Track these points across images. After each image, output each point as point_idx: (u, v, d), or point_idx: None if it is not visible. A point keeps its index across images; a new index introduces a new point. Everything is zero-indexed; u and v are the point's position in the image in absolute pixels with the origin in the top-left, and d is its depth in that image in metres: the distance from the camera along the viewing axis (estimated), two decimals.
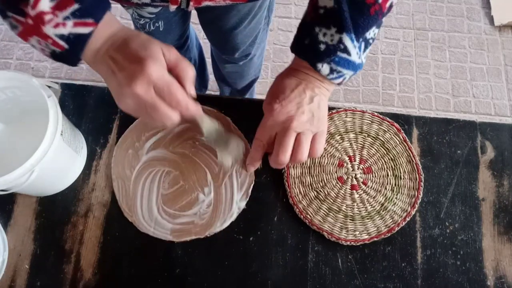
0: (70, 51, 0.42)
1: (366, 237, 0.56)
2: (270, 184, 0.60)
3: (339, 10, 0.43)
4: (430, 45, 1.64)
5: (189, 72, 0.45)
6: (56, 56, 0.42)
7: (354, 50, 0.46)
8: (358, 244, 0.56)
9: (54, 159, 0.50)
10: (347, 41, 0.45)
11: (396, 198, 0.58)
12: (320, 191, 0.58)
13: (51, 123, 0.48)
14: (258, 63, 1.09)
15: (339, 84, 0.50)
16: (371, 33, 0.47)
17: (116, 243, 0.57)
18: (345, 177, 0.59)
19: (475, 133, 0.63)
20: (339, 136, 0.61)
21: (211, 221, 0.57)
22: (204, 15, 0.82)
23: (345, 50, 0.46)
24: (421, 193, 0.59)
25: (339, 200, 0.58)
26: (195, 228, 0.57)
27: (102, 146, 0.61)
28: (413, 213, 0.58)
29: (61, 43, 0.40)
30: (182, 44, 0.98)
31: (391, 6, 0.45)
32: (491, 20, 1.68)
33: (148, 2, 0.58)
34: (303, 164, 0.60)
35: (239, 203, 0.58)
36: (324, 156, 0.60)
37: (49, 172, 0.52)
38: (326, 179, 0.59)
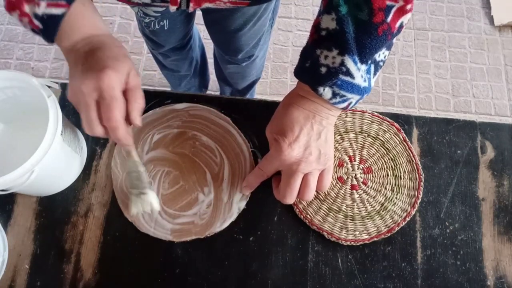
0: (44, 31, 0.43)
1: (366, 237, 0.56)
2: (270, 184, 0.60)
3: (341, 32, 0.42)
4: (430, 45, 1.64)
5: (140, 102, 0.44)
6: (34, 31, 0.43)
7: (358, 73, 0.44)
8: (358, 244, 0.56)
9: (54, 159, 0.50)
10: (350, 63, 0.43)
11: (396, 198, 0.58)
12: (320, 191, 0.58)
13: (51, 123, 0.48)
14: (260, 64, 1.09)
15: (344, 109, 0.48)
16: (380, 55, 0.45)
17: (116, 243, 0.57)
18: (345, 177, 0.59)
19: (475, 133, 0.63)
20: (339, 136, 0.61)
21: (211, 221, 0.57)
22: (209, 15, 0.82)
23: (348, 73, 0.43)
24: (421, 193, 0.59)
25: (339, 200, 0.58)
26: (195, 228, 0.57)
27: (102, 146, 0.61)
28: (413, 213, 0.58)
29: (36, 22, 0.41)
30: (185, 43, 0.98)
31: (401, 26, 0.43)
32: (491, 20, 1.68)
33: (149, 2, 0.58)
34: None
35: (239, 203, 0.58)
36: None
37: (49, 172, 0.52)
38: None
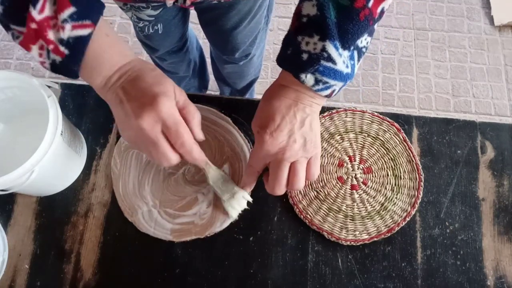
0: (70, 56, 0.40)
1: (366, 237, 0.56)
2: None
3: (322, 17, 0.41)
4: (430, 45, 1.64)
5: (197, 116, 0.45)
6: (56, 66, 0.41)
7: (340, 59, 0.43)
8: (358, 244, 0.56)
9: (54, 159, 0.50)
10: (331, 49, 0.42)
11: (396, 198, 0.58)
12: (320, 191, 0.58)
13: (51, 123, 0.48)
14: (258, 63, 1.09)
15: (328, 96, 0.47)
16: (363, 41, 0.45)
17: (116, 243, 0.57)
18: (345, 177, 0.59)
19: (475, 133, 0.63)
20: (339, 136, 0.61)
21: (211, 221, 0.57)
22: (204, 15, 0.82)
23: (329, 59, 0.43)
24: (421, 193, 0.59)
25: (339, 200, 0.58)
26: (195, 228, 0.57)
27: (102, 146, 0.61)
28: (413, 213, 0.58)
29: (62, 48, 0.40)
30: (181, 46, 0.98)
31: (382, 11, 0.43)
32: (491, 20, 1.68)
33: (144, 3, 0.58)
34: None
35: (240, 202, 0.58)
36: (324, 156, 0.60)
37: (49, 172, 0.52)
38: (326, 179, 0.59)
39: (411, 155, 0.60)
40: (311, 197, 0.58)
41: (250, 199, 0.54)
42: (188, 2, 0.56)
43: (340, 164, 0.60)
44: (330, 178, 0.59)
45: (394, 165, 0.60)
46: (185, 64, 1.09)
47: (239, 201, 0.53)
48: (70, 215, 0.58)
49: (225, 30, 0.81)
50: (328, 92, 0.46)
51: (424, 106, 1.54)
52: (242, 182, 0.55)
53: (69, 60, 0.41)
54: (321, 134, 0.61)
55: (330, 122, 0.62)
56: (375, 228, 0.57)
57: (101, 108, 0.63)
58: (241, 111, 0.63)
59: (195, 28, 1.10)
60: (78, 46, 0.40)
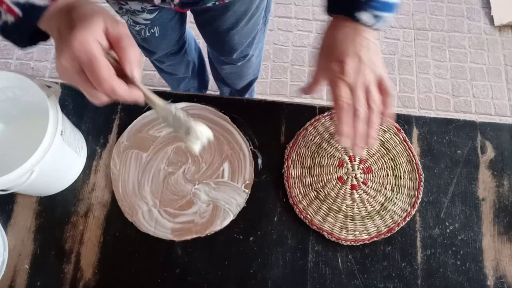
0: (23, 20, 0.39)
1: (366, 237, 0.56)
2: (270, 184, 0.60)
3: None
4: (430, 45, 1.64)
5: (131, 51, 0.40)
6: (6, 29, 0.40)
7: None
8: (358, 244, 0.56)
9: (54, 159, 0.50)
10: None
11: (396, 198, 0.58)
12: (320, 191, 0.58)
13: (51, 123, 0.48)
14: (256, 63, 1.09)
15: (379, 29, 0.49)
16: None
17: (116, 243, 0.57)
18: (345, 177, 0.59)
19: (475, 133, 0.63)
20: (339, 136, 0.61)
21: (211, 219, 0.57)
22: (200, 17, 0.82)
23: None
24: (421, 193, 0.59)
25: (339, 200, 0.58)
26: (195, 227, 0.57)
27: (102, 146, 0.61)
28: (413, 213, 0.58)
29: (16, 10, 0.39)
30: (179, 48, 0.98)
31: None
32: (491, 20, 1.67)
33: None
34: (303, 164, 0.60)
35: (238, 201, 0.58)
36: (324, 156, 0.60)
37: (49, 172, 0.52)
38: (326, 179, 0.59)
39: (411, 155, 0.60)
40: (311, 197, 0.58)
41: (210, 135, 0.48)
42: (176, 1, 0.55)
43: (340, 164, 0.60)
44: (330, 178, 0.59)
45: (394, 165, 0.60)
46: (183, 66, 1.09)
47: (196, 136, 0.48)
48: (70, 215, 0.58)
49: (222, 31, 0.81)
50: (382, 25, 0.48)
51: (424, 106, 1.54)
52: (339, 128, 0.50)
53: (22, 22, 0.40)
54: (321, 134, 0.61)
55: (330, 122, 0.62)
56: (375, 228, 0.57)
57: (101, 108, 0.63)
58: (241, 111, 0.63)
59: (193, 28, 1.10)
60: (32, 13, 0.39)
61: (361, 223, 0.57)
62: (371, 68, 0.49)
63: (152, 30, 0.80)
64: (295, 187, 0.58)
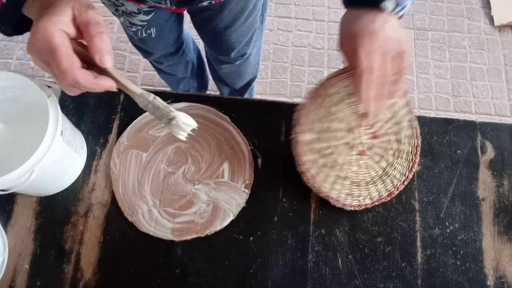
0: (7, 6, 0.38)
1: (369, 202, 0.57)
2: (270, 184, 0.60)
3: None
4: (430, 45, 1.63)
5: (98, 39, 0.37)
6: None
7: None
8: (361, 209, 0.57)
9: (54, 159, 0.50)
10: None
11: (396, 162, 0.58)
12: (329, 158, 0.57)
13: (51, 123, 0.48)
14: (255, 62, 1.08)
15: (401, 17, 0.48)
16: None
17: (116, 243, 0.57)
18: (353, 142, 0.58)
19: (475, 133, 0.63)
20: (348, 100, 0.57)
21: (211, 219, 0.57)
22: (197, 16, 0.82)
23: None
24: (418, 157, 0.59)
25: (346, 167, 0.58)
26: (195, 227, 0.57)
27: (102, 146, 0.61)
28: (410, 177, 0.58)
29: None
30: (177, 48, 0.98)
31: None
32: (491, 20, 1.67)
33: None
34: (312, 129, 0.57)
35: (238, 201, 0.58)
36: (333, 120, 0.57)
37: (49, 172, 0.52)
38: (335, 146, 0.57)
39: (412, 118, 0.59)
40: (319, 165, 0.57)
41: (193, 124, 0.46)
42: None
43: (349, 129, 0.58)
44: (339, 144, 0.57)
45: (398, 130, 0.59)
46: (182, 66, 1.09)
47: (179, 127, 0.46)
48: (70, 215, 0.58)
49: (219, 30, 0.81)
50: (403, 12, 0.47)
51: (424, 106, 1.54)
52: (363, 99, 0.49)
53: (5, 8, 0.39)
54: (331, 96, 0.58)
55: (341, 84, 0.58)
56: (377, 193, 0.57)
57: (101, 108, 0.63)
58: (241, 111, 0.63)
59: (191, 29, 1.10)
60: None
61: (365, 189, 0.57)
62: (395, 42, 0.46)
63: (148, 31, 0.80)
64: (303, 154, 0.56)
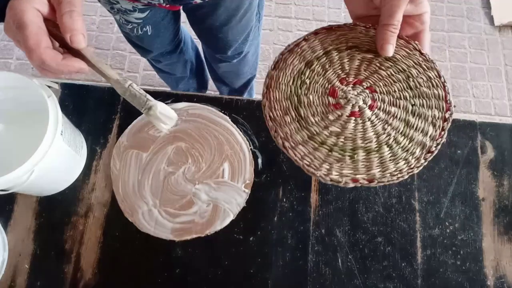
0: None
1: (405, 166, 0.41)
2: (270, 184, 0.60)
3: None
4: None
5: (68, 18, 0.35)
6: None
7: None
8: (403, 174, 0.41)
9: (54, 159, 0.50)
10: None
11: (419, 105, 0.44)
12: (321, 134, 0.43)
13: (51, 123, 0.48)
14: (253, 61, 1.08)
15: None
16: None
17: (116, 243, 0.57)
18: (343, 102, 0.44)
19: (475, 133, 0.63)
20: (346, 52, 0.46)
21: (212, 219, 0.57)
22: (192, 14, 0.82)
23: None
24: (451, 97, 0.45)
25: (359, 134, 0.42)
26: (195, 227, 0.57)
27: (102, 146, 0.61)
28: (451, 119, 0.44)
29: None
30: (175, 47, 0.98)
31: None
32: (491, 20, 1.68)
33: None
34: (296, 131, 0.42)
35: (238, 201, 0.58)
36: (311, 92, 0.45)
37: (49, 172, 0.52)
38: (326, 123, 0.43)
39: (426, 57, 0.46)
40: (323, 155, 0.42)
41: (173, 115, 0.43)
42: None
43: (331, 92, 0.45)
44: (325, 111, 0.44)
45: (407, 77, 0.45)
46: (181, 65, 1.09)
47: (157, 117, 0.43)
48: (70, 215, 0.58)
49: (215, 28, 0.81)
50: None
51: None
52: (383, 40, 0.43)
53: None
54: (293, 71, 0.46)
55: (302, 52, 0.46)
56: (418, 145, 0.42)
57: (101, 108, 0.63)
58: (241, 111, 0.63)
59: (190, 29, 1.10)
60: None
61: (399, 147, 0.42)
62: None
63: (144, 29, 0.80)
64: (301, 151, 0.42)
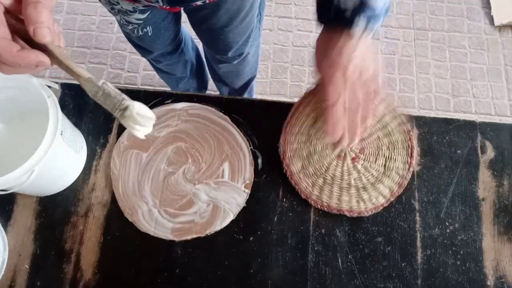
0: None
1: (383, 200, 0.58)
2: (270, 184, 0.60)
3: None
4: (430, 45, 1.63)
5: (32, 9, 0.32)
6: None
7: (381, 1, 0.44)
8: (378, 211, 0.57)
9: (54, 159, 0.50)
10: None
11: (394, 154, 0.60)
12: (326, 175, 0.58)
13: (51, 123, 0.48)
14: (253, 62, 1.08)
15: (373, 34, 0.48)
16: None
17: (116, 243, 0.57)
18: (342, 154, 0.59)
19: (475, 133, 0.63)
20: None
21: (211, 219, 0.57)
22: (193, 16, 0.82)
23: (369, 6, 0.44)
24: (414, 141, 0.60)
25: (346, 177, 0.58)
26: (195, 227, 0.57)
27: (102, 146, 0.61)
28: (414, 162, 0.59)
29: None
30: (175, 47, 0.98)
31: None
32: (491, 20, 1.67)
33: None
34: (300, 157, 0.59)
35: (238, 201, 0.58)
36: (317, 142, 0.60)
37: (49, 172, 0.52)
38: (327, 162, 0.59)
39: (392, 107, 0.60)
40: (319, 185, 0.58)
41: (151, 115, 0.39)
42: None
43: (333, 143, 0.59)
44: (330, 160, 0.59)
45: (383, 125, 0.60)
46: (181, 65, 1.09)
47: (133, 119, 0.38)
48: (70, 215, 0.58)
49: (216, 29, 0.81)
50: (374, 30, 0.47)
51: (424, 106, 1.54)
52: (331, 126, 0.50)
53: None
54: (304, 122, 0.60)
55: (310, 107, 0.60)
56: (388, 189, 0.58)
57: (101, 108, 0.63)
58: (242, 111, 0.63)
59: (191, 28, 1.10)
60: None
61: (373, 189, 0.58)
62: (364, 71, 0.48)
63: (145, 30, 0.80)
64: (301, 181, 0.58)
